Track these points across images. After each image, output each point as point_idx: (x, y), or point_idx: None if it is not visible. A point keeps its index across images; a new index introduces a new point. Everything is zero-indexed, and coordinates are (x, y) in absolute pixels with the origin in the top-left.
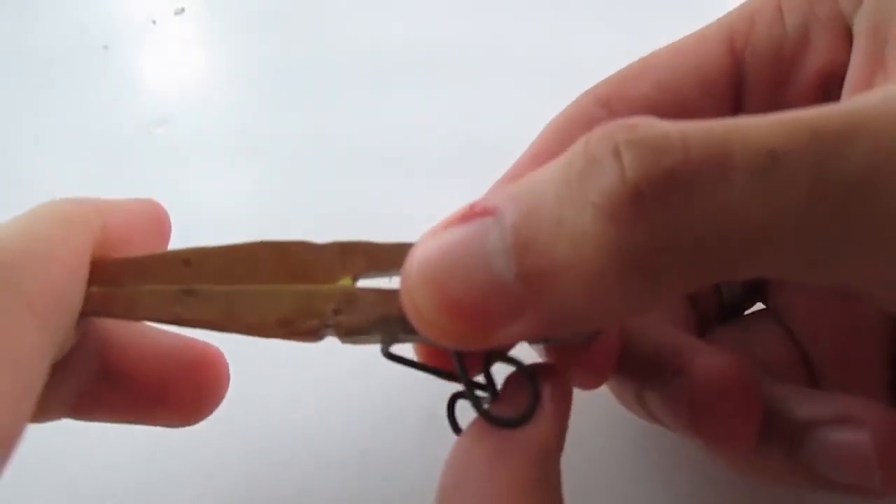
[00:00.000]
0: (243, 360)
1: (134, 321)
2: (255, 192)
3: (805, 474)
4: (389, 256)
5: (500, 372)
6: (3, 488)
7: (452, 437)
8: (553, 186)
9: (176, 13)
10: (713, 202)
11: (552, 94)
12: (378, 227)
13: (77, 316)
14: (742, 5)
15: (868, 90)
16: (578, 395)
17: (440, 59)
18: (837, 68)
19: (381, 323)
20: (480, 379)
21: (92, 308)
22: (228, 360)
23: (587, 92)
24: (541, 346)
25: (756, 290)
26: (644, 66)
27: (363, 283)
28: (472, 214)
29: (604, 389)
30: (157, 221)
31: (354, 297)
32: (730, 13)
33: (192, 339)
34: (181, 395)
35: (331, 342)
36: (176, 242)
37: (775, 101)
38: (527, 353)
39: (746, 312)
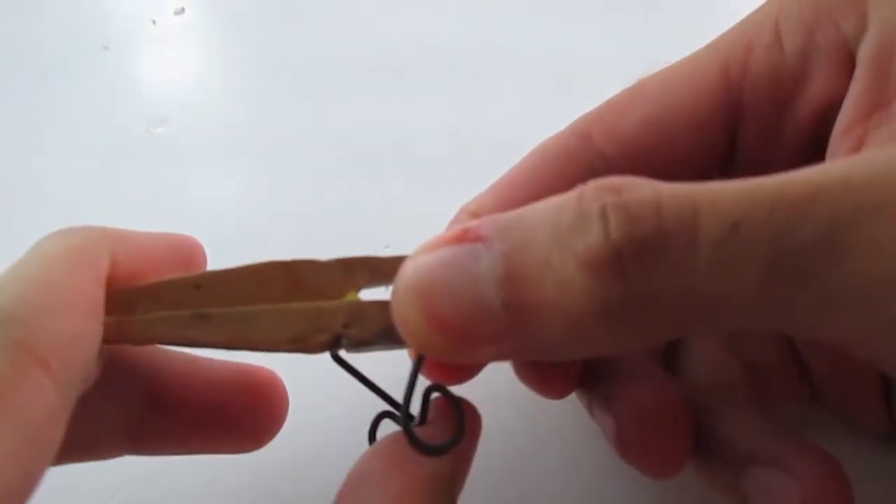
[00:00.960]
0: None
1: (151, 346)
2: (255, 191)
3: (735, 491)
4: (391, 268)
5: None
6: None
7: None
8: (544, 229)
9: (176, 13)
10: (680, 267)
11: (551, 94)
12: (378, 227)
13: (94, 355)
14: (736, 29)
15: (859, 137)
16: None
17: (440, 59)
18: (838, 97)
19: (385, 333)
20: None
21: (107, 337)
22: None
23: (571, 125)
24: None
25: None
26: (631, 98)
27: (366, 293)
28: (464, 238)
29: None
30: (185, 258)
31: (361, 310)
32: (724, 38)
33: (246, 364)
34: (240, 420)
35: None
36: None
37: (774, 131)
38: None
39: None
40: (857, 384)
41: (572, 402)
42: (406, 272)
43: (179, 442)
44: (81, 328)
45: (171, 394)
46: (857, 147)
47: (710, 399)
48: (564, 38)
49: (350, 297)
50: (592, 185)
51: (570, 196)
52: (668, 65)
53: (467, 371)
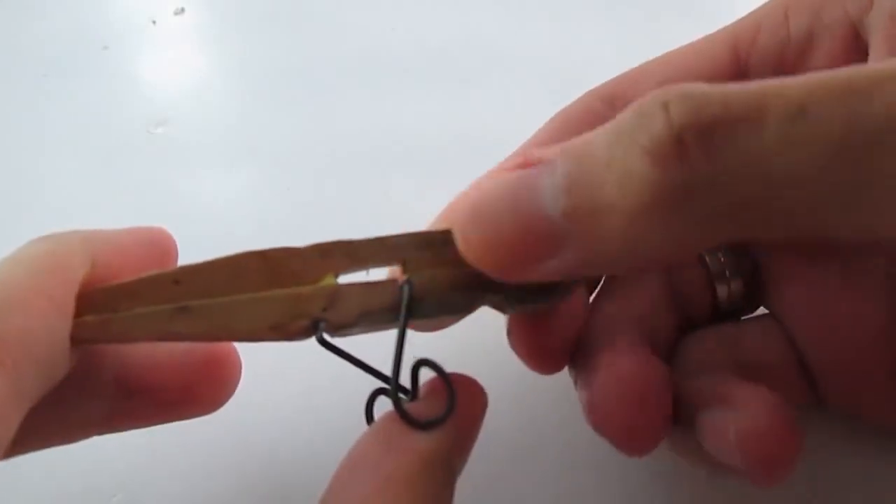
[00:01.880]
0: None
1: (133, 343)
2: (255, 191)
3: (704, 457)
4: (367, 251)
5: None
6: (4, 487)
7: None
8: (605, 137)
9: (176, 13)
10: (746, 149)
11: (551, 94)
12: (378, 227)
13: (58, 353)
14: (750, 13)
15: None
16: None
17: (440, 59)
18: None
19: (366, 315)
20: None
21: (89, 335)
22: None
23: (591, 90)
24: (509, 315)
25: (755, 294)
26: (649, 67)
27: (344, 279)
28: (527, 163)
29: None
30: (160, 251)
31: (338, 293)
32: (739, 20)
33: (199, 345)
34: (201, 392)
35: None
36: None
37: None
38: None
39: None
40: (862, 380)
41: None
42: (470, 196)
43: (145, 418)
44: (39, 327)
45: (139, 380)
46: None
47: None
48: (564, 38)
49: (327, 281)
50: (652, 92)
51: (629, 106)
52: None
53: (556, 359)
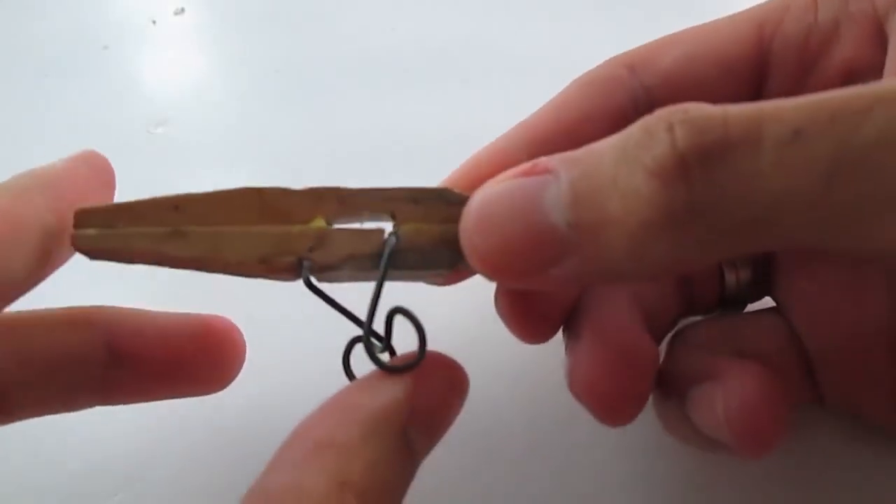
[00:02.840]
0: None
1: (128, 263)
2: None
3: (694, 432)
4: (359, 200)
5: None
6: (4, 487)
7: (451, 434)
8: (611, 152)
9: (176, 13)
10: (745, 171)
11: (551, 94)
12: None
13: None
14: None
15: None
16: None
17: (440, 59)
18: (862, 64)
19: (351, 260)
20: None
21: (87, 247)
22: None
23: (615, 57)
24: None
25: (762, 283)
26: (674, 39)
27: (338, 226)
28: (532, 171)
29: None
30: (102, 172)
31: (327, 236)
32: (768, 1)
33: (199, 315)
34: (199, 367)
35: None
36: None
37: (797, 89)
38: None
39: (750, 305)
40: (863, 378)
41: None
42: (475, 201)
43: (144, 392)
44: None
45: (131, 349)
46: None
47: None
48: (565, 38)
49: (317, 223)
50: (658, 111)
51: (633, 125)
52: None
53: (542, 326)
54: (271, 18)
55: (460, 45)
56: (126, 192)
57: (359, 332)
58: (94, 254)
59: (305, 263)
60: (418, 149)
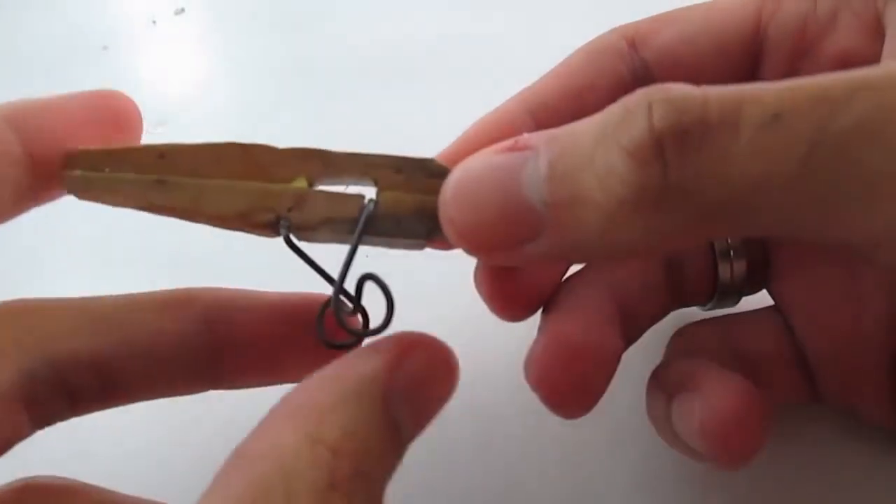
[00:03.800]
0: None
1: (113, 206)
2: None
3: (678, 439)
4: (343, 164)
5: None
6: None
7: (453, 433)
8: (591, 130)
9: (176, 13)
10: (721, 154)
11: None
12: None
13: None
14: None
15: None
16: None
17: (441, 59)
18: (857, 56)
19: (329, 223)
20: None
21: (74, 188)
22: None
23: (615, 28)
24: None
25: (758, 276)
26: (674, 15)
27: (320, 188)
28: (514, 147)
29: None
30: (114, 114)
31: (306, 196)
32: None
33: (301, 294)
34: (302, 348)
35: None
36: (178, 240)
37: (791, 74)
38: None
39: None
40: (860, 377)
41: None
42: (454, 175)
43: (251, 376)
44: None
45: (232, 332)
46: None
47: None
48: (565, 38)
49: (299, 183)
50: (640, 90)
51: (618, 101)
52: None
53: (519, 304)
54: (271, 18)
55: (461, 45)
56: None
57: None
58: (81, 195)
59: (283, 223)
60: (418, 148)
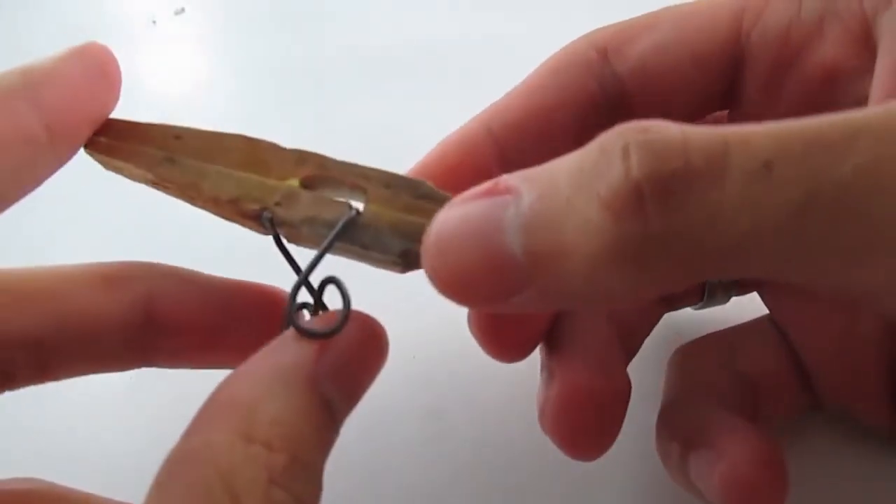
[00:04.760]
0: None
1: (127, 177)
2: None
3: (694, 487)
4: (337, 170)
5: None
6: None
7: (451, 433)
8: (568, 174)
9: (176, 13)
10: (706, 205)
11: None
12: None
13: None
14: None
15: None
16: None
17: (441, 58)
18: (845, 66)
19: (309, 222)
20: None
21: (99, 150)
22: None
23: (588, 35)
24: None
25: (749, 282)
26: (648, 22)
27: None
28: (494, 191)
29: None
30: (101, 68)
31: (296, 195)
32: None
33: (246, 282)
34: (244, 337)
35: None
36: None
37: (774, 85)
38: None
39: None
40: (859, 379)
41: None
42: (435, 226)
43: (187, 359)
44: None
45: (170, 316)
46: None
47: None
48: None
49: (291, 182)
50: (617, 127)
51: (595, 140)
52: None
53: (517, 348)
54: (271, 18)
55: (461, 44)
56: (127, 190)
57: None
58: (103, 160)
59: (266, 214)
60: (419, 148)
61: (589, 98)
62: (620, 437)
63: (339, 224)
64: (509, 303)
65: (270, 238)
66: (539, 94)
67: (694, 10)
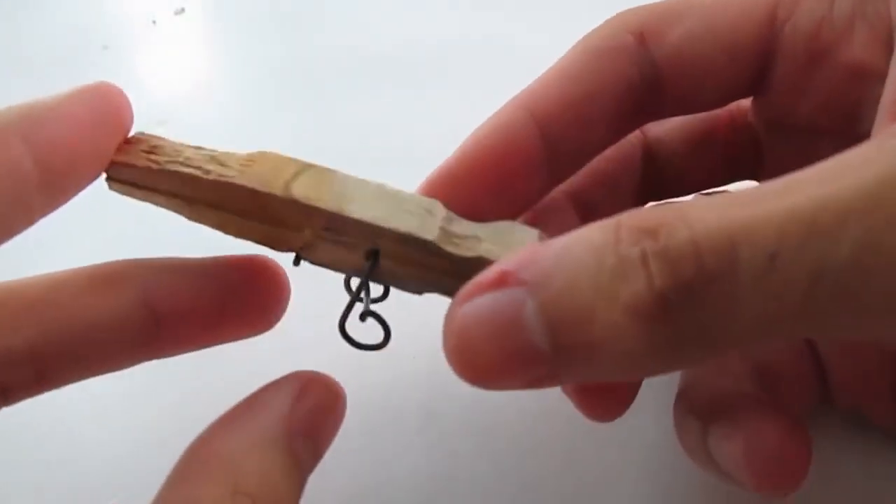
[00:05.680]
0: (243, 360)
1: (158, 193)
2: None
3: (715, 465)
4: (351, 227)
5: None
6: (4, 487)
7: (451, 434)
8: (586, 275)
9: (176, 13)
10: (724, 300)
11: None
12: None
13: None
14: None
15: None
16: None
17: (441, 59)
18: (871, 68)
19: (334, 263)
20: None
21: (118, 189)
22: (223, 358)
23: (623, 16)
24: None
25: None
26: (681, 9)
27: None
28: (504, 282)
29: None
30: (114, 112)
31: (313, 245)
32: None
33: (234, 257)
34: (244, 312)
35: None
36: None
37: (803, 79)
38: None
39: None
40: (871, 382)
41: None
42: (453, 326)
43: (188, 343)
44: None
45: (170, 306)
46: None
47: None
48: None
49: (307, 232)
50: (627, 226)
51: (606, 237)
52: None
53: (616, 408)
54: (271, 18)
55: (461, 45)
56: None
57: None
58: (123, 192)
59: (296, 254)
60: (419, 148)
61: (627, 84)
62: (623, 436)
63: (362, 277)
64: (538, 385)
65: None
66: (580, 80)
67: (728, 1)
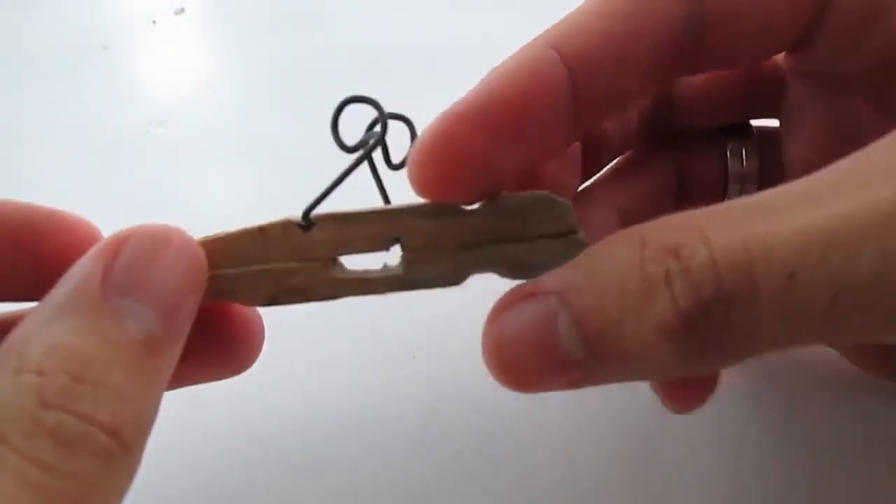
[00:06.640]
0: None
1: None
2: (254, 191)
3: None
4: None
5: None
6: None
7: (451, 433)
8: (613, 293)
9: (176, 13)
10: (746, 318)
11: None
12: None
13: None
14: None
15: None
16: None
17: (441, 59)
18: None
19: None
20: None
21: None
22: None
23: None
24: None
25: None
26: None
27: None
28: (535, 293)
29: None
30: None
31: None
32: None
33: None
34: (213, 351)
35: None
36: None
37: (858, 35)
38: None
39: None
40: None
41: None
42: (490, 340)
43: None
44: None
45: None
46: None
47: None
48: None
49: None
50: (651, 245)
51: (632, 257)
52: None
53: (699, 400)
54: (271, 18)
55: (461, 45)
56: (127, 191)
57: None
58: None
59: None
60: None
61: (670, 28)
62: (623, 436)
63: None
64: (574, 387)
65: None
66: (619, 18)
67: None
